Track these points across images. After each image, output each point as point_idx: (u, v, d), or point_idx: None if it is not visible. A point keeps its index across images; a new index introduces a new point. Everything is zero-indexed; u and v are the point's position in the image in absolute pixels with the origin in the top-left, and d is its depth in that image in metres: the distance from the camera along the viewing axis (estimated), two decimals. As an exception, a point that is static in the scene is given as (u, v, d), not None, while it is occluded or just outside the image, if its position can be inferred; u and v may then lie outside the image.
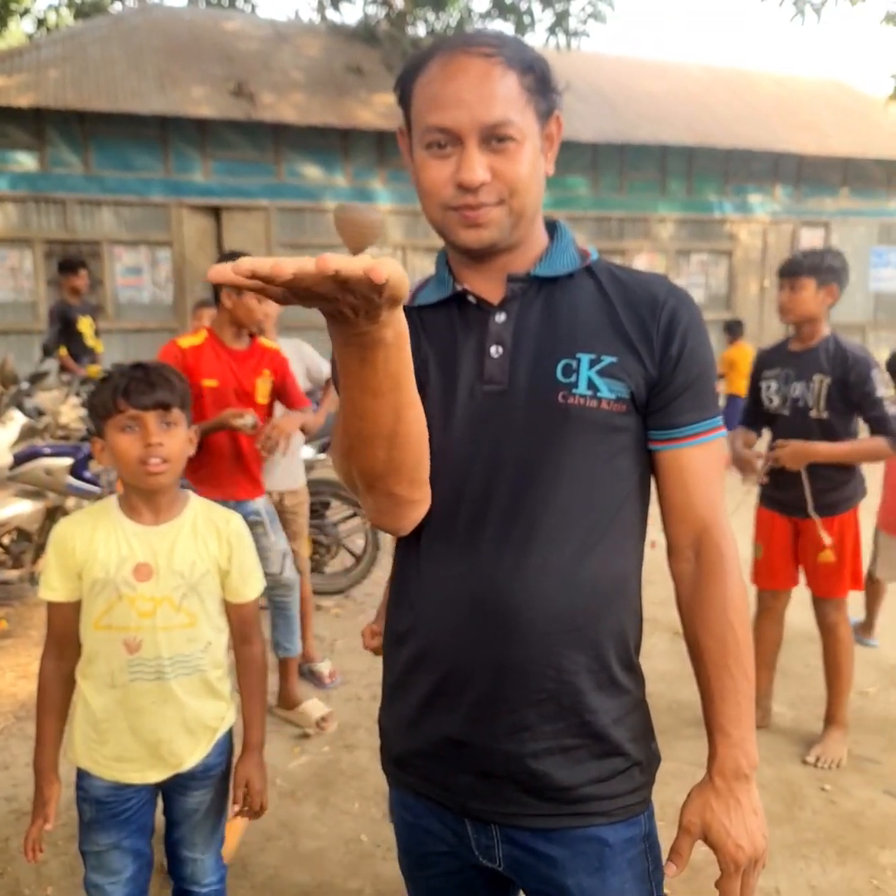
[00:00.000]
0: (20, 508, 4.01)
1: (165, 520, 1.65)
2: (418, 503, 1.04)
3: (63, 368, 6.24)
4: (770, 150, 11.59)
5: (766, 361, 3.07)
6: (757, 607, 3.21)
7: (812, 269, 2.83)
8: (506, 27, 9.62)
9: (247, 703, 1.76)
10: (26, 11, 13.11)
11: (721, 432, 1.14)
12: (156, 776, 1.66)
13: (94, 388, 1.65)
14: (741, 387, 8.20)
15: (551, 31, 9.62)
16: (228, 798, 1.77)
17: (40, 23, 13.56)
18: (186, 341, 2.92)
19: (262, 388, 2.99)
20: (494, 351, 1.08)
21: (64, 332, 6.47)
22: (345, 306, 0.79)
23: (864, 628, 4.09)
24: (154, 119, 9.38)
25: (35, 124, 9.24)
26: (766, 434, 3.14)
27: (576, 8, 9.50)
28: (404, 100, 1.09)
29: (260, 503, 3.04)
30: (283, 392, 3.07)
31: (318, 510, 4.34)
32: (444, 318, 1.12)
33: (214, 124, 9.61)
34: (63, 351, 6.32)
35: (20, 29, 15.20)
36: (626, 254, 11.54)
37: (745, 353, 8.26)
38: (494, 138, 1.02)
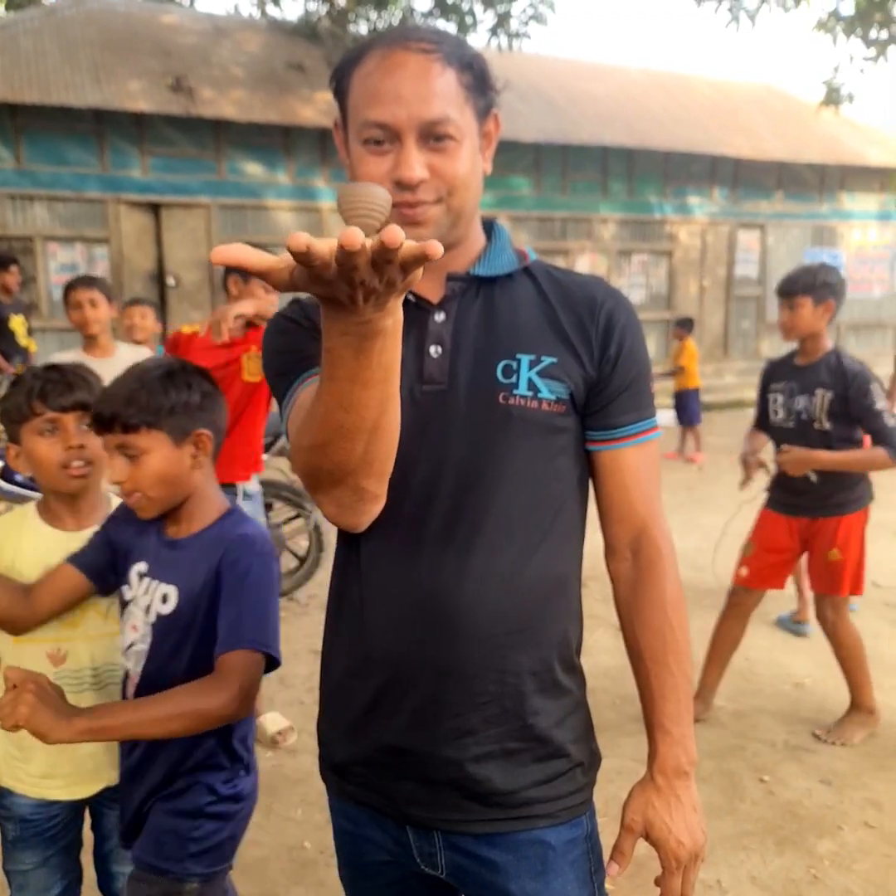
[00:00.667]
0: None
1: (88, 525, 1.58)
2: (380, 498, 1.02)
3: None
4: (707, 153, 11.83)
5: (773, 375, 3.17)
6: (727, 602, 3.28)
7: (807, 287, 2.91)
8: (448, 27, 9.64)
9: None
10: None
11: (657, 432, 1.15)
12: (84, 792, 1.61)
13: (5, 391, 1.58)
14: (692, 382, 8.39)
15: (493, 32, 9.66)
16: None
17: (-32, 12, 13.11)
18: (188, 328, 3.06)
19: (250, 366, 2.92)
20: (434, 351, 1.07)
21: None
22: (360, 290, 0.74)
23: (801, 614, 4.29)
24: (89, 113, 9.14)
25: (-37, 117, 8.93)
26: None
27: (517, 10, 9.56)
28: (340, 93, 1.06)
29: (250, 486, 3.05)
30: None
31: None
32: None
33: (152, 119, 9.40)
34: None
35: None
36: (569, 254, 11.66)
37: (692, 351, 8.44)
38: (433, 136, 1.00)
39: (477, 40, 10.41)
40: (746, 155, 12.02)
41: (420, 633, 1.05)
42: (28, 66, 9.28)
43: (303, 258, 0.69)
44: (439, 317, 1.08)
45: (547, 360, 1.06)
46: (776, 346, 13.02)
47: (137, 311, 4.28)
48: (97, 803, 1.66)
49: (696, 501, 6.69)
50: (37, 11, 10.84)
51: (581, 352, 1.08)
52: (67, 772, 1.58)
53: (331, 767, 1.18)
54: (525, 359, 1.06)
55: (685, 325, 8.57)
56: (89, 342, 3.45)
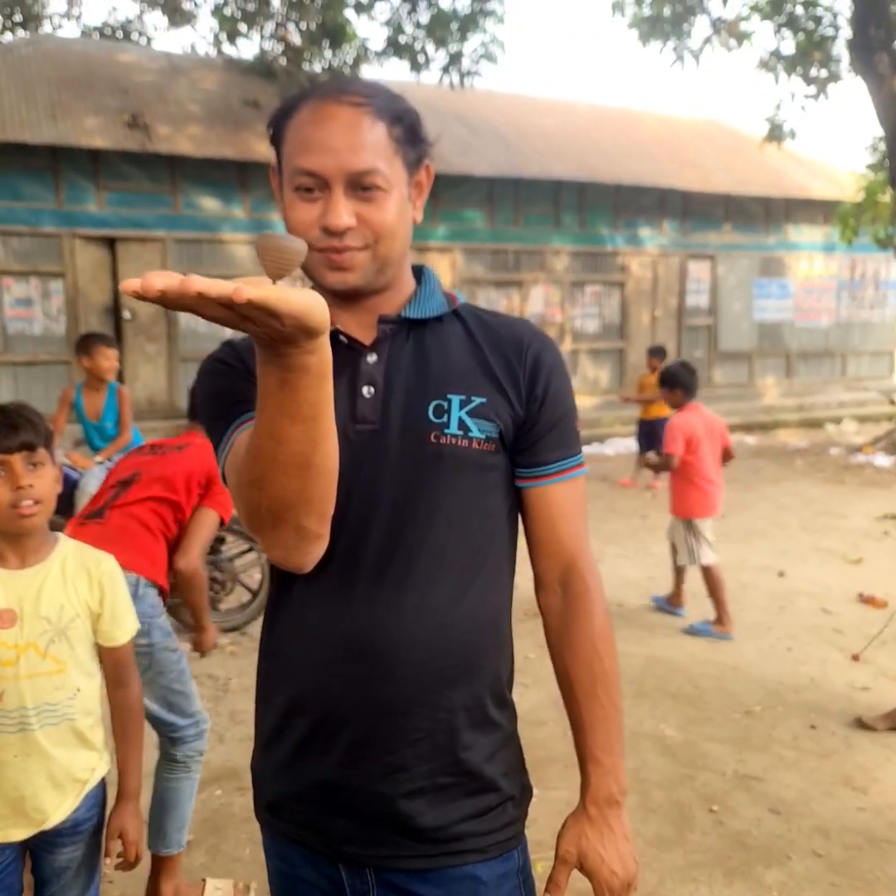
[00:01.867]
0: None
1: (32, 563, 1.61)
2: (323, 537, 1.03)
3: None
4: (657, 186, 12.09)
5: None
6: None
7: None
8: (400, 65, 9.82)
9: (121, 749, 1.72)
10: None
11: (583, 469, 1.19)
12: (20, 834, 1.60)
13: None
14: (665, 410, 8.43)
15: (445, 70, 9.85)
16: (101, 853, 1.71)
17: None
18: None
19: None
20: (366, 391, 1.10)
21: None
22: (251, 329, 0.78)
23: (674, 599, 4.72)
24: (45, 149, 9.11)
25: (-86, 153, 8.85)
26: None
27: (468, 49, 9.79)
28: (276, 140, 1.11)
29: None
30: None
31: (213, 546, 4.29)
32: None
33: (108, 155, 9.41)
34: None
35: None
36: (523, 285, 11.83)
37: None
38: (361, 186, 1.04)
39: (429, 78, 10.61)
40: (695, 188, 12.32)
41: (353, 669, 1.07)
42: (-19, 103, 9.25)
43: (146, 298, 0.71)
44: (371, 358, 1.11)
45: (477, 400, 1.10)
46: (727, 373, 13.32)
47: (112, 351, 4.30)
48: (36, 846, 1.64)
49: (648, 529, 6.79)
50: (-9, 48, 10.82)
51: (509, 392, 1.12)
52: (2, 813, 1.57)
53: (265, 806, 1.18)
54: (456, 399, 1.09)
55: (659, 354, 8.51)
56: None
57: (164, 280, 0.69)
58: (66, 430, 4.69)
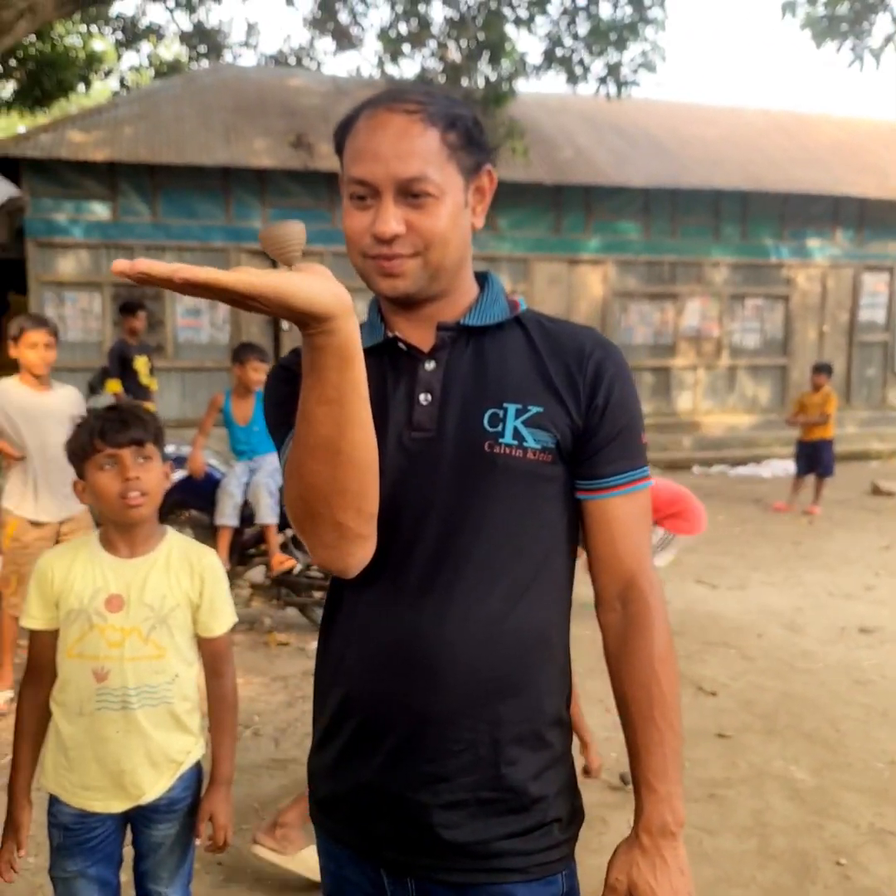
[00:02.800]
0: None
1: (141, 553, 1.71)
2: (365, 540, 1.03)
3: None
4: (830, 194, 11.43)
5: None
6: None
7: None
8: (557, 78, 9.77)
9: (216, 737, 1.79)
10: (109, 72, 13.90)
11: (647, 483, 1.14)
12: (119, 806, 1.69)
13: (72, 431, 1.73)
14: (830, 431, 7.92)
15: (602, 80, 9.73)
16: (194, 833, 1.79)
17: (122, 83, 14.36)
18: None
19: None
20: (423, 398, 1.10)
21: (121, 370, 6.75)
22: (258, 310, 0.82)
23: None
24: (217, 170, 9.80)
25: (109, 177, 9.76)
26: None
27: (627, 58, 9.60)
28: (339, 151, 1.13)
29: None
30: None
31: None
32: (374, 365, 1.11)
33: (274, 174, 9.99)
34: (117, 387, 6.59)
35: (107, 87, 16.11)
36: (678, 298, 11.48)
37: (834, 399, 8.03)
38: (410, 193, 1.04)
39: (587, 89, 10.53)
40: (873, 194, 11.54)
41: (398, 676, 1.07)
42: (167, 130, 10.07)
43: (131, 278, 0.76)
44: (429, 365, 1.12)
45: (533, 410, 1.08)
46: (905, 394, 12.30)
47: (263, 365, 4.54)
48: (136, 820, 1.74)
49: (801, 556, 6.37)
50: (178, 79, 11.77)
51: (568, 401, 1.09)
52: (104, 785, 1.67)
53: (316, 804, 1.20)
54: (512, 407, 1.08)
55: (825, 371, 8.11)
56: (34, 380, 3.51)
57: (146, 265, 0.75)
58: (212, 432, 4.96)
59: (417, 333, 1.13)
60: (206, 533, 4.47)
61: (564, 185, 10.61)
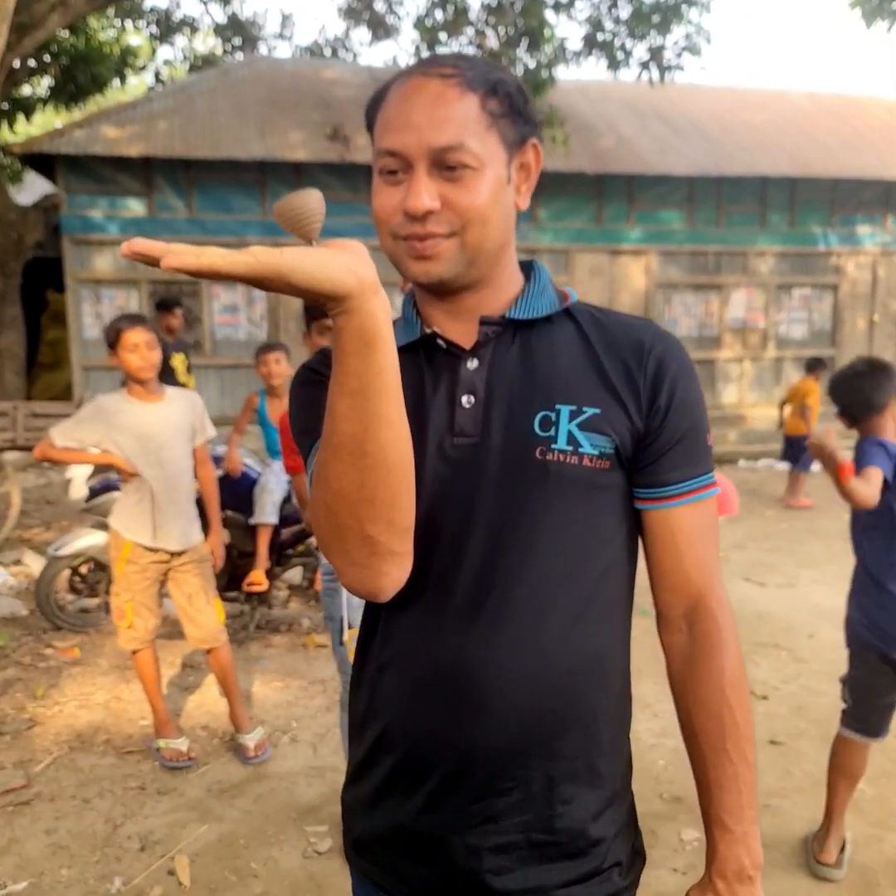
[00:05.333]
0: (95, 540, 4.14)
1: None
2: (400, 557, 0.92)
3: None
4: (881, 179, 11.06)
5: None
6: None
7: None
8: (598, 64, 9.56)
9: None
10: (144, 66, 13.96)
11: (714, 489, 1.03)
12: None
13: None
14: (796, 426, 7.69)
15: (644, 66, 9.49)
16: None
17: (157, 77, 14.42)
18: None
19: None
20: (466, 400, 0.99)
21: (159, 367, 6.71)
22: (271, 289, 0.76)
23: None
24: (253, 164, 9.75)
25: (144, 173, 9.77)
26: None
27: (670, 41, 9.34)
28: (370, 127, 1.01)
29: None
30: None
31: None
32: (410, 364, 1.00)
33: (310, 167, 9.92)
34: None
35: (143, 81, 16.22)
36: (723, 289, 11.22)
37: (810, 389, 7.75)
38: (446, 165, 0.92)
39: (629, 74, 10.29)
40: (927, 179, 11.15)
41: (441, 708, 0.96)
42: (202, 124, 10.05)
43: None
44: (472, 364, 1.00)
45: (589, 412, 0.97)
46: (960, 386, 11.87)
47: (272, 356, 4.41)
48: None
49: (851, 553, 6.10)
50: (212, 73, 11.76)
51: (627, 402, 0.98)
52: None
53: (351, 843, 1.11)
54: (565, 409, 0.97)
55: (814, 366, 7.93)
56: (136, 386, 3.06)
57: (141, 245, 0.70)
58: (248, 432, 4.88)
59: (458, 328, 1.02)
60: (244, 533, 4.38)
61: (606, 175, 10.40)
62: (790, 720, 3.50)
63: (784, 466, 8.22)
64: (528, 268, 1.08)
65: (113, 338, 2.94)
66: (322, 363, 1.04)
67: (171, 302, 7.06)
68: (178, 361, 6.86)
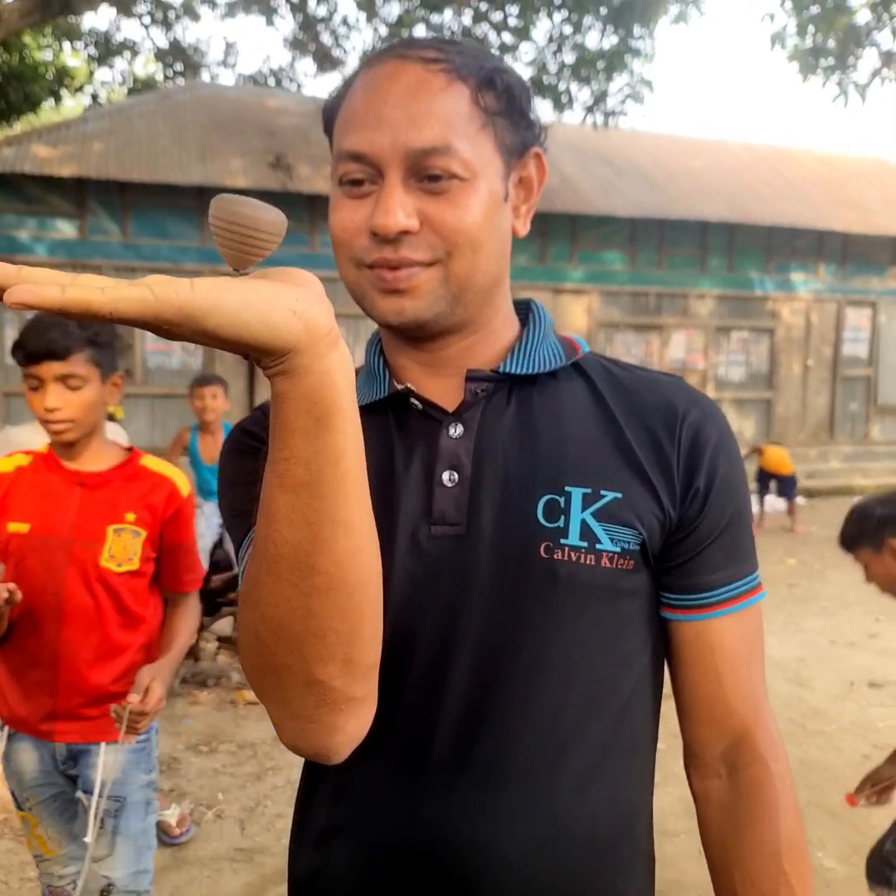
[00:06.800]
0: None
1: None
2: (358, 705, 0.67)
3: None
4: (813, 228, 11.36)
5: None
6: None
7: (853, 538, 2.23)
8: (543, 105, 9.61)
9: None
10: (80, 88, 13.57)
11: (762, 593, 0.81)
12: None
13: None
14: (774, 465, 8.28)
15: (589, 110, 9.57)
16: None
17: (95, 99, 14.03)
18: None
19: (120, 546, 1.73)
20: (447, 478, 0.77)
21: None
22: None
23: None
24: (192, 189, 9.47)
25: (77, 194, 9.39)
26: None
27: (614, 88, 9.45)
28: (329, 127, 0.80)
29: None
30: (167, 558, 1.83)
31: None
32: (375, 429, 0.77)
33: (251, 195, 9.61)
34: None
35: (79, 103, 15.79)
36: (663, 330, 11.30)
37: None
38: (426, 173, 0.72)
39: (572, 117, 10.38)
40: (856, 229, 11.49)
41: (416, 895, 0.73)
42: (139, 147, 9.74)
43: None
44: (455, 430, 0.78)
45: (608, 496, 0.75)
46: (888, 430, 12.22)
47: (208, 391, 4.17)
48: None
49: (797, 600, 6.10)
50: (152, 96, 11.47)
51: (657, 482, 0.77)
52: None
53: None
54: (577, 493, 0.75)
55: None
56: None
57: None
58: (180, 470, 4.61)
59: (437, 385, 0.80)
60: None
61: (549, 213, 10.42)
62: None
63: (780, 503, 8.77)
64: (524, 309, 0.87)
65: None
66: (262, 425, 0.79)
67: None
68: (105, 391, 6.53)
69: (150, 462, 1.84)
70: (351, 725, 0.67)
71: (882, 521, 2.16)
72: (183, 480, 1.85)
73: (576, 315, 11.02)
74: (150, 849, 1.83)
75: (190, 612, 1.90)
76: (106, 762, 1.71)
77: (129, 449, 1.85)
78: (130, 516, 1.73)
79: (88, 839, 1.66)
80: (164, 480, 1.81)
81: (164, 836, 2.76)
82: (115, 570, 1.71)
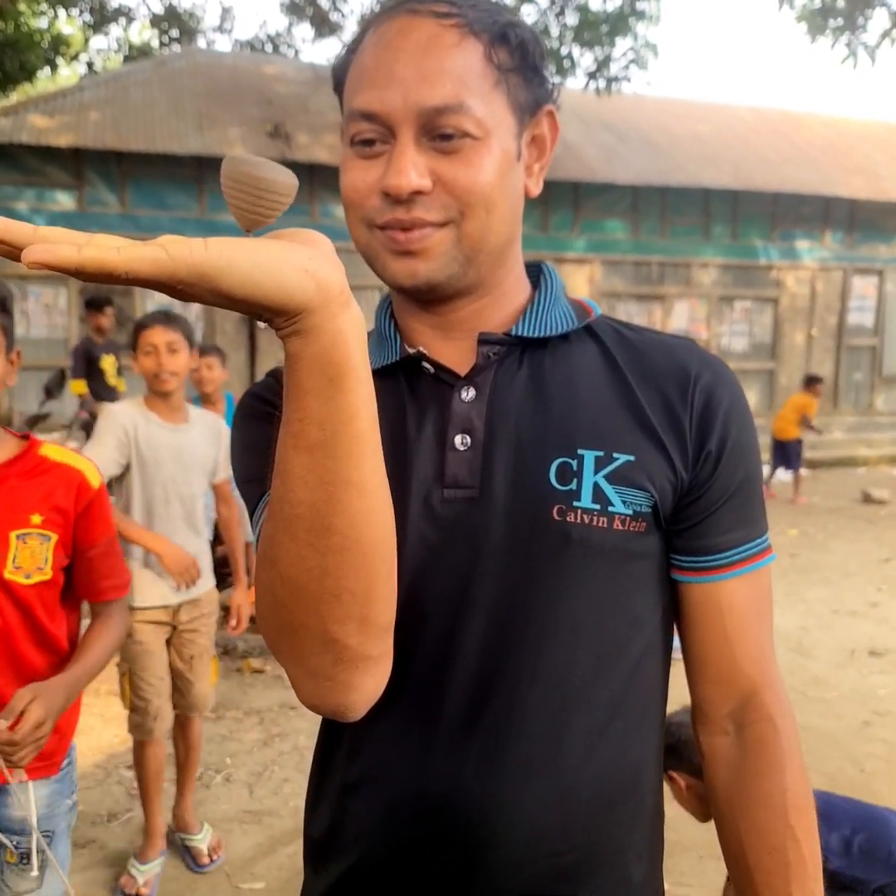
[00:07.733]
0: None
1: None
2: (375, 663, 0.68)
3: (82, 405, 6.24)
4: (820, 194, 11.23)
5: None
6: None
7: None
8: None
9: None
10: (76, 56, 13.40)
11: (772, 555, 0.82)
12: None
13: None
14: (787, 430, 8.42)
15: (591, 75, 9.44)
16: None
17: (90, 67, 13.86)
18: None
19: (27, 554, 1.48)
20: (460, 442, 0.77)
21: (87, 369, 6.41)
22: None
23: None
24: (191, 159, 9.37)
25: (74, 165, 9.30)
26: None
27: (618, 53, 9.31)
28: (339, 87, 0.79)
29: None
30: (82, 564, 1.57)
31: None
32: (387, 394, 0.76)
33: (251, 165, 9.58)
34: (82, 388, 6.25)
35: (75, 71, 15.59)
36: (666, 299, 11.24)
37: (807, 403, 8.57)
38: (439, 132, 0.71)
39: (574, 83, 10.24)
40: (864, 196, 11.35)
41: (428, 849, 0.75)
42: (136, 116, 9.63)
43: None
44: (467, 394, 0.78)
45: (621, 459, 0.76)
46: (892, 400, 12.18)
47: (204, 361, 4.14)
48: None
49: (799, 570, 6.13)
50: (147, 63, 11.32)
51: (669, 445, 0.77)
52: None
53: None
54: (590, 456, 0.76)
55: (817, 381, 8.92)
56: (162, 400, 2.53)
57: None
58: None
59: (450, 348, 0.80)
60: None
61: (552, 181, 10.31)
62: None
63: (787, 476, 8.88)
64: (535, 271, 0.87)
65: (133, 337, 2.49)
66: (274, 391, 0.79)
67: (102, 300, 6.72)
68: (108, 364, 6.54)
69: (52, 451, 1.54)
70: (367, 684, 0.68)
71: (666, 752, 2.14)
72: (92, 470, 1.56)
73: (578, 285, 10.96)
74: (67, 864, 1.61)
75: (112, 623, 1.58)
76: (26, 800, 1.45)
77: (25, 436, 1.55)
78: (36, 519, 1.46)
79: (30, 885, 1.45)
80: (71, 472, 1.52)
81: (193, 864, 2.55)
82: (22, 583, 1.43)
